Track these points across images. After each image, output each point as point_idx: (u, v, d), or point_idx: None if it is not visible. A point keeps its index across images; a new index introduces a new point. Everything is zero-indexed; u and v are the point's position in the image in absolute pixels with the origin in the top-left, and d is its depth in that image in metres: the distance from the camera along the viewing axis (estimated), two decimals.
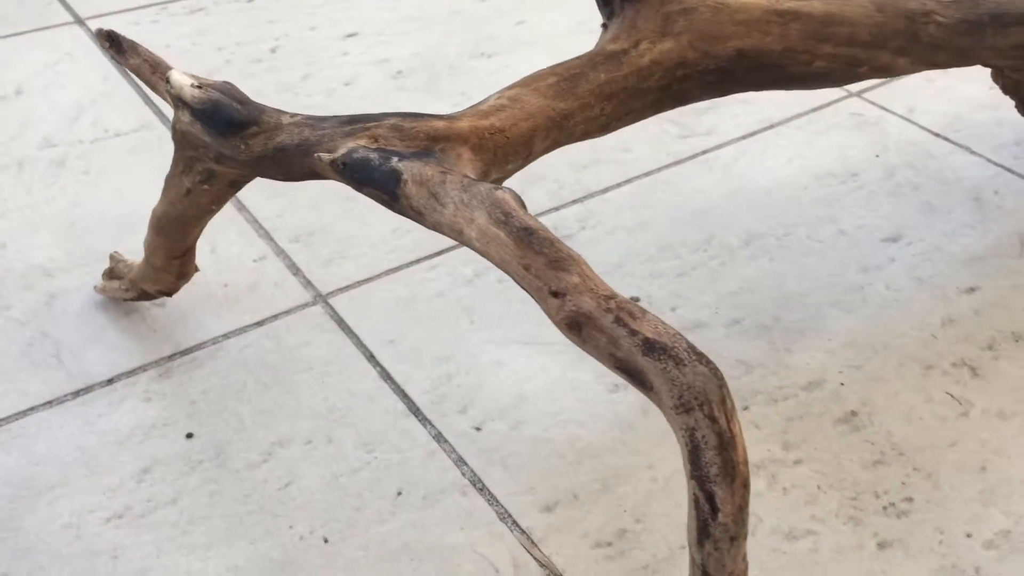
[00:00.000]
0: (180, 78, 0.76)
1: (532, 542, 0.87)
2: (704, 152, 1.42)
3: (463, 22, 1.75)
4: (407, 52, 1.65)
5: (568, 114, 0.82)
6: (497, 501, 0.91)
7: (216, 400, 1.01)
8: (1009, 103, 1.54)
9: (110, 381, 1.03)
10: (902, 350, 1.07)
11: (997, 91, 1.56)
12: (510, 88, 0.82)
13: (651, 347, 0.59)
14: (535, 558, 0.85)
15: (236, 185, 0.85)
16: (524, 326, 1.10)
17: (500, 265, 0.64)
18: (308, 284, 1.16)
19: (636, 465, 0.94)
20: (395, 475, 0.93)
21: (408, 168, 0.69)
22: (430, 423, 0.99)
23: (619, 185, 1.35)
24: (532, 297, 0.63)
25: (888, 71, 0.95)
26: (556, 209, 1.30)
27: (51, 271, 1.17)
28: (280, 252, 1.21)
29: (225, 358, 1.06)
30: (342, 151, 0.71)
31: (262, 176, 0.79)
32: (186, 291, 1.13)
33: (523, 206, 0.65)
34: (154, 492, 0.91)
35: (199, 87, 0.75)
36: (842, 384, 1.03)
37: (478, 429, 0.98)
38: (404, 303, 1.14)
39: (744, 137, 1.45)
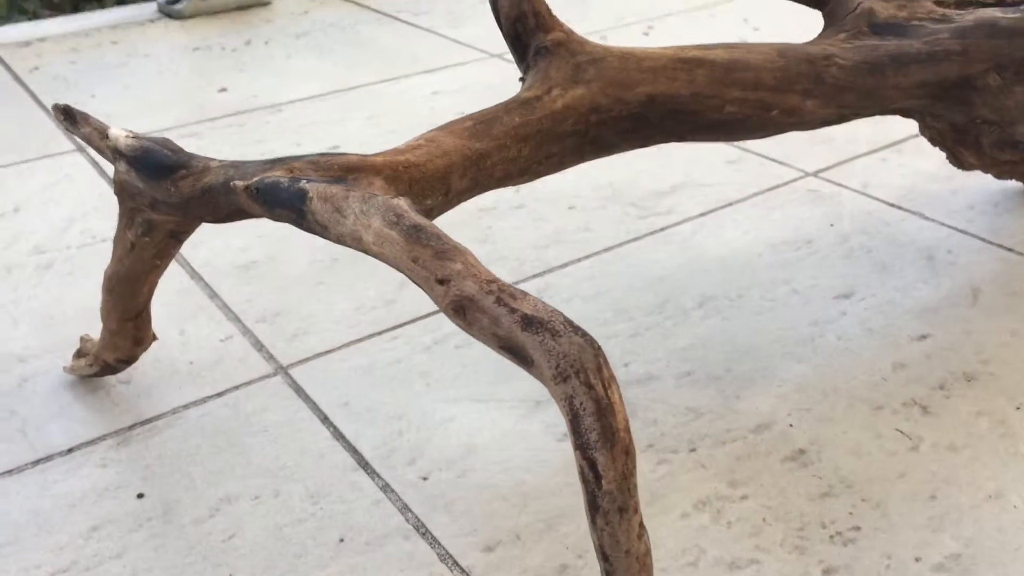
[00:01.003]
0: (117, 132, 0.82)
1: None
2: (663, 229, 1.46)
3: None
4: None
5: (485, 154, 0.87)
6: (439, 543, 0.90)
7: (169, 463, 1.02)
8: (964, 173, 1.59)
9: (70, 451, 1.05)
10: (852, 393, 1.07)
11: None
12: (428, 132, 0.88)
13: (529, 322, 0.61)
14: None
15: (176, 236, 0.90)
16: (478, 385, 1.12)
17: (394, 263, 0.67)
18: (271, 358, 1.19)
19: (581, 505, 0.93)
20: (339, 523, 0.93)
21: (314, 187, 0.73)
22: (378, 475, 0.99)
23: (579, 260, 1.39)
24: (422, 288, 0.66)
25: (799, 114, 1.00)
26: (516, 283, 1.34)
27: (25, 357, 1.22)
28: (246, 332, 1.25)
29: (183, 426, 1.08)
30: (256, 179, 0.76)
31: (193, 217, 0.85)
32: (151, 368, 1.17)
33: (416, 211, 0.68)
34: (101, 548, 0.92)
35: (133, 137, 0.82)
36: (791, 425, 1.03)
37: (425, 479, 0.98)
38: (362, 371, 1.16)
39: (702, 215, 1.50)
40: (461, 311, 0.63)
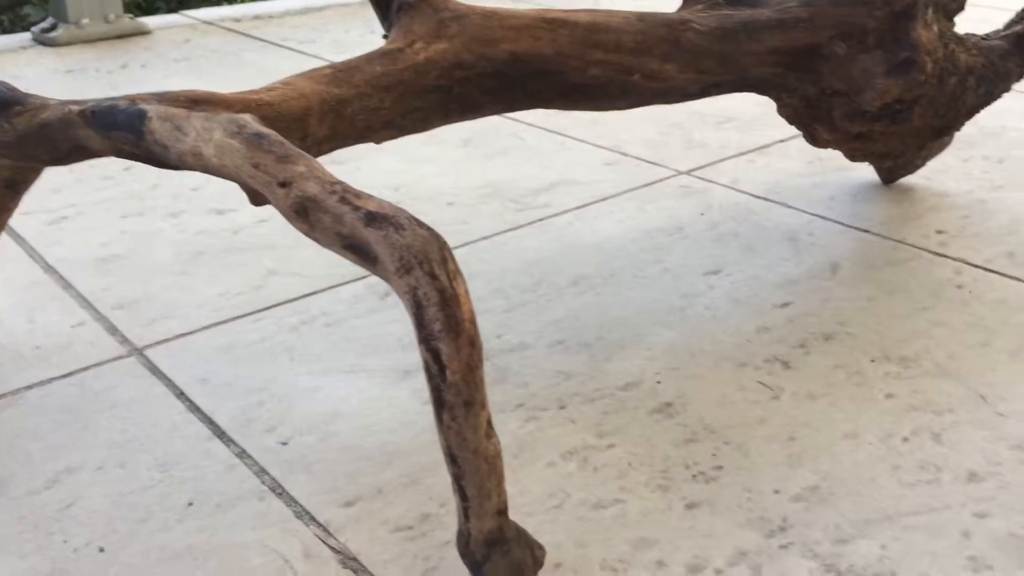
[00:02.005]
0: None
1: (328, 533, 0.82)
2: (540, 220, 1.47)
3: None
4: None
5: (344, 100, 0.86)
6: (296, 502, 0.86)
7: (5, 441, 0.95)
8: (825, 169, 1.66)
9: None
10: (718, 353, 1.09)
11: (815, 163, 1.69)
12: (286, 78, 0.86)
13: (373, 218, 0.59)
14: (328, 546, 0.80)
15: (13, 187, 0.85)
16: (347, 358, 1.09)
17: (234, 174, 0.65)
18: (125, 341, 1.13)
19: None
20: (188, 489, 0.88)
21: (153, 108, 0.70)
22: (234, 443, 0.94)
23: (455, 248, 1.38)
24: (265, 194, 0.63)
25: (660, 79, 1.03)
26: None
27: None
28: (100, 318, 1.19)
29: (22, 406, 1.01)
30: (92, 103, 0.72)
31: (29, 158, 0.80)
32: None
33: (261, 123, 0.66)
34: None
35: None
36: (659, 383, 1.03)
37: (284, 444, 0.94)
38: (223, 349, 1.11)
39: (579, 208, 1.51)
40: (303, 212, 0.61)
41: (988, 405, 0.97)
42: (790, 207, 1.49)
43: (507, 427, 0.96)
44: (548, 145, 1.81)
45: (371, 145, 1.77)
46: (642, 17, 1.02)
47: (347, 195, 0.61)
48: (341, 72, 0.88)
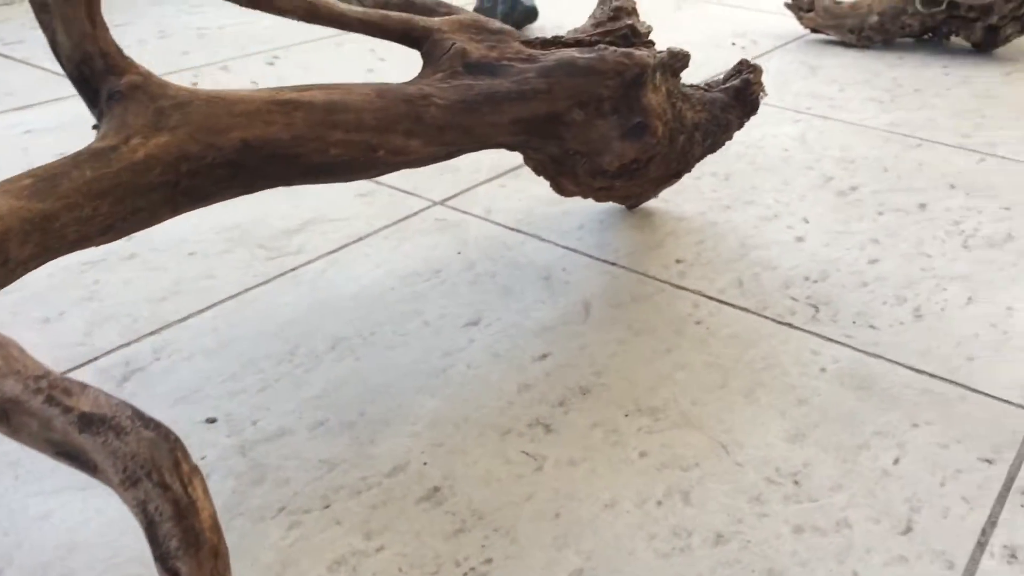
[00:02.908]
0: None
1: None
2: (293, 270, 1.41)
3: None
4: None
5: (51, 215, 0.76)
6: None
7: None
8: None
9: None
10: (482, 421, 1.09)
11: None
12: None
13: (88, 421, 0.53)
14: None
15: None
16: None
17: None
18: None
19: None
20: None
21: None
22: None
23: (201, 311, 1.29)
24: None
25: (405, 154, 1.00)
26: (128, 344, 1.21)
27: None
28: None
29: None
30: None
31: None
32: None
33: None
34: None
35: None
36: (425, 464, 1.02)
37: None
38: None
39: (333, 251, 1.46)
40: (3, 416, 0.53)
41: (728, 455, 1.05)
42: (543, 240, 1.52)
43: (269, 539, 0.91)
44: None
45: None
46: (381, 93, 0.98)
47: (55, 393, 0.53)
48: (43, 182, 0.77)
